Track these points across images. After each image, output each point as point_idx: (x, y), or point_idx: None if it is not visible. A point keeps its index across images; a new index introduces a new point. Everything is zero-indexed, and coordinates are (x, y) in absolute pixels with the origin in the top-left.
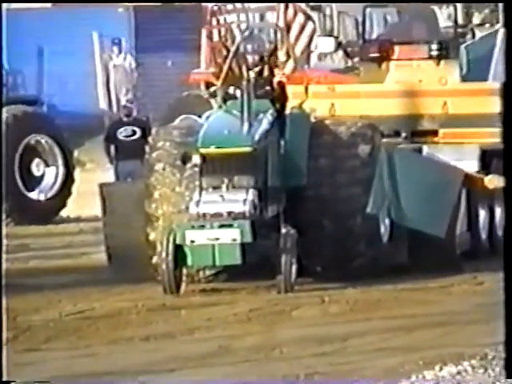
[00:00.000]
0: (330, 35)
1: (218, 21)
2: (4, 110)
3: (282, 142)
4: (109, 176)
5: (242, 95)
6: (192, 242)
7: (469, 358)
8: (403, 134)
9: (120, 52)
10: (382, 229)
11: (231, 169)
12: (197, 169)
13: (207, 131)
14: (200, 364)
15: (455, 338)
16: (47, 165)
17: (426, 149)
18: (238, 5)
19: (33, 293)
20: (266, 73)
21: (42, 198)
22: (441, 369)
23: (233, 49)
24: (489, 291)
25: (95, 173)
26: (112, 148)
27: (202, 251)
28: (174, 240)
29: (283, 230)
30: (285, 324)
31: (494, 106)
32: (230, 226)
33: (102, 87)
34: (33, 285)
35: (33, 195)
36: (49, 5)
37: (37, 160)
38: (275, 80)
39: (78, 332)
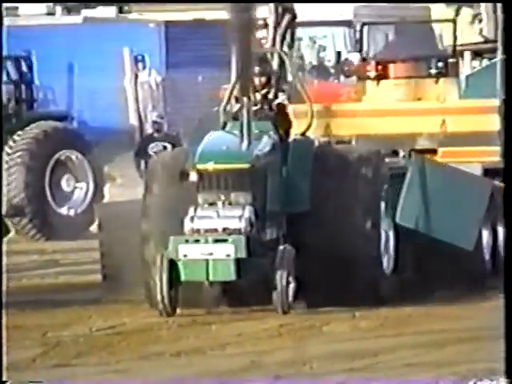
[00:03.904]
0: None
1: None
2: (34, 125)
3: (284, 168)
4: (139, 191)
5: (242, 114)
6: (185, 256)
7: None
8: (401, 153)
9: (144, 68)
10: (385, 262)
11: (228, 185)
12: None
13: (205, 148)
14: (231, 379)
15: (488, 352)
16: (77, 180)
17: None
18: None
19: (63, 308)
20: (270, 96)
21: (71, 213)
22: None
23: (235, 73)
24: None
25: (126, 188)
26: (142, 163)
27: (195, 266)
28: (168, 256)
29: (280, 247)
30: (315, 339)
31: (494, 123)
32: (225, 240)
33: (133, 103)
34: (63, 300)
35: (63, 211)
36: (79, 20)
37: (67, 175)
38: (275, 102)
39: (108, 347)
